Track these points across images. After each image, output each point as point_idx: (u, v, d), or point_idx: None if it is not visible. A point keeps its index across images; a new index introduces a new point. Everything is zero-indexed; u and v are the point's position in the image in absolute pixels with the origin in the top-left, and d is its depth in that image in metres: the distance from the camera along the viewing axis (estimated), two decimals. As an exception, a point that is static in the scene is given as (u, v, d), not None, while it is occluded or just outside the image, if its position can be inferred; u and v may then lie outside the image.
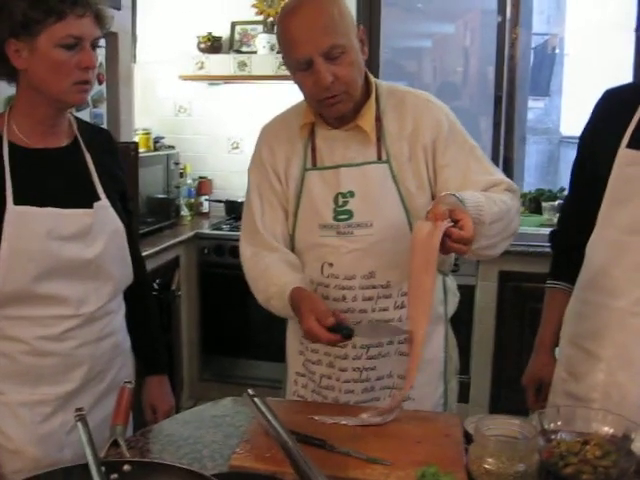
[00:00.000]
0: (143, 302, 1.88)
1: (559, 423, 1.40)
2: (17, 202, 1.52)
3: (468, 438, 1.39)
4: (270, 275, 1.71)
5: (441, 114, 1.73)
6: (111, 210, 1.66)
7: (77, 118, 1.74)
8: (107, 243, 1.63)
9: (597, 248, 1.66)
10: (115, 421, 1.36)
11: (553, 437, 1.36)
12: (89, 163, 1.67)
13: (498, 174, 1.73)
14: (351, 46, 1.61)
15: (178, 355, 4.04)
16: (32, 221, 1.52)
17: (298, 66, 1.61)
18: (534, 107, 7.53)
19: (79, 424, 1.25)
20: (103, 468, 1.16)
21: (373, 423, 1.49)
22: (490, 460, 1.21)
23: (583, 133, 1.78)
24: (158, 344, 1.92)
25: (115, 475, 1.20)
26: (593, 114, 1.75)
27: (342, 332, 1.47)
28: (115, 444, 1.33)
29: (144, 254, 3.42)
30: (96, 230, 1.61)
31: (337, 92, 1.61)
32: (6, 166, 1.53)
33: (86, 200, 1.62)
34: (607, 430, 1.37)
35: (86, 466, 1.15)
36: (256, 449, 1.37)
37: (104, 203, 1.65)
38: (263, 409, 1.31)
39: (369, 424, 1.49)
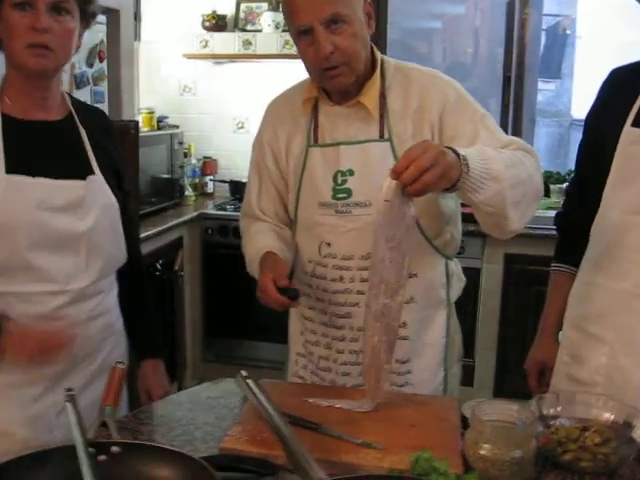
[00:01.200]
0: (137, 285, 1.86)
1: (559, 409, 1.37)
2: (9, 171, 1.50)
3: (466, 423, 1.36)
4: (256, 239, 1.78)
5: (448, 88, 1.69)
6: (105, 185, 1.64)
7: (71, 96, 1.73)
8: (99, 217, 1.60)
9: (601, 229, 1.62)
10: (105, 402, 1.34)
11: (552, 423, 1.34)
12: (84, 137, 1.66)
13: (509, 137, 1.69)
14: (355, 17, 1.57)
15: (181, 336, 4.03)
16: (23, 190, 1.50)
17: (299, 35, 1.59)
18: (545, 89, 7.45)
19: (68, 405, 1.22)
20: (91, 449, 1.14)
21: (361, 409, 1.46)
22: (486, 446, 1.18)
23: (589, 113, 1.74)
24: (153, 328, 1.89)
25: (104, 456, 1.18)
26: (599, 94, 1.71)
27: (288, 293, 1.53)
28: (104, 425, 1.31)
29: (147, 234, 3.44)
30: (88, 203, 1.58)
31: (337, 63, 1.58)
32: None
33: (79, 173, 1.60)
34: (608, 416, 1.34)
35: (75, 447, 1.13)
36: (248, 432, 1.35)
37: (98, 177, 1.63)
38: (256, 391, 1.28)
39: (360, 410, 1.46)
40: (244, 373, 1.33)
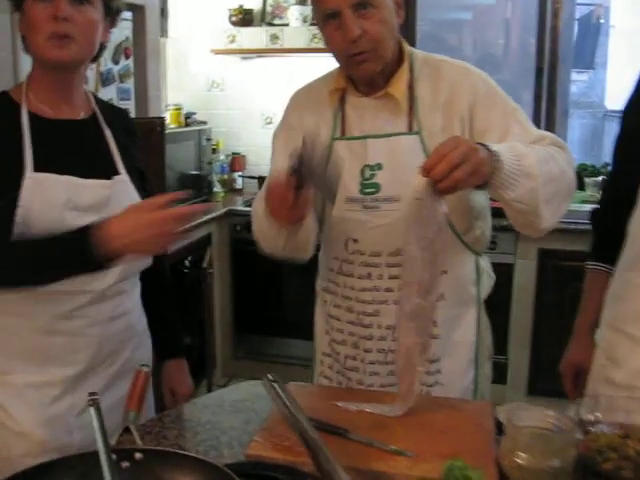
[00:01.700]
0: (160, 285, 1.83)
1: (598, 414, 1.30)
2: (36, 169, 1.49)
3: (501, 428, 1.31)
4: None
5: (478, 79, 1.65)
6: (130, 185, 1.62)
7: (95, 95, 1.72)
8: None
9: (639, 226, 1.55)
10: (128, 407, 1.31)
11: (591, 429, 1.27)
12: (108, 138, 1.64)
13: (541, 132, 1.64)
14: (383, 3, 1.55)
15: (210, 333, 4.01)
16: (50, 189, 1.48)
17: (326, 19, 1.55)
18: (578, 80, 7.32)
19: (92, 410, 1.20)
20: (114, 456, 1.12)
21: (392, 414, 1.41)
22: (522, 454, 1.13)
23: (626, 105, 1.68)
24: (175, 328, 1.87)
25: (127, 463, 1.16)
26: (636, 85, 1.65)
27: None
28: (128, 430, 1.28)
29: (174, 231, 3.41)
30: (114, 203, 1.56)
31: (365, 49, 1.54)
32: (26, 134, 1.51)
33: (105, 173, 1.59)
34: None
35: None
36: (274, 437, 1.31)
37: (123, 177, 1.62)
38: (282, 395, 1.24)
39: (391, 414, 1.41)
40: (270, 376, 1.29)
